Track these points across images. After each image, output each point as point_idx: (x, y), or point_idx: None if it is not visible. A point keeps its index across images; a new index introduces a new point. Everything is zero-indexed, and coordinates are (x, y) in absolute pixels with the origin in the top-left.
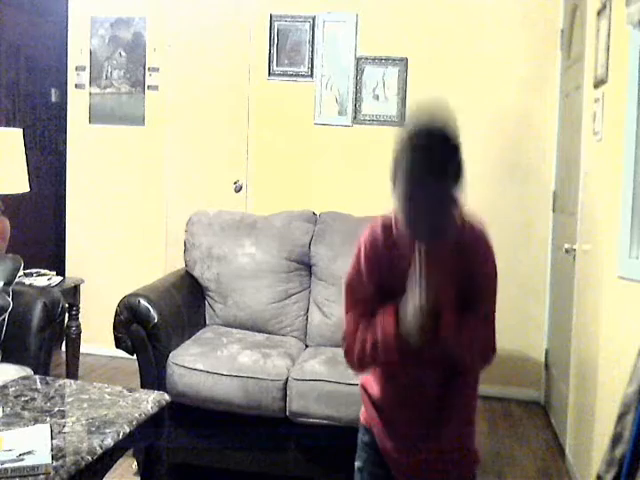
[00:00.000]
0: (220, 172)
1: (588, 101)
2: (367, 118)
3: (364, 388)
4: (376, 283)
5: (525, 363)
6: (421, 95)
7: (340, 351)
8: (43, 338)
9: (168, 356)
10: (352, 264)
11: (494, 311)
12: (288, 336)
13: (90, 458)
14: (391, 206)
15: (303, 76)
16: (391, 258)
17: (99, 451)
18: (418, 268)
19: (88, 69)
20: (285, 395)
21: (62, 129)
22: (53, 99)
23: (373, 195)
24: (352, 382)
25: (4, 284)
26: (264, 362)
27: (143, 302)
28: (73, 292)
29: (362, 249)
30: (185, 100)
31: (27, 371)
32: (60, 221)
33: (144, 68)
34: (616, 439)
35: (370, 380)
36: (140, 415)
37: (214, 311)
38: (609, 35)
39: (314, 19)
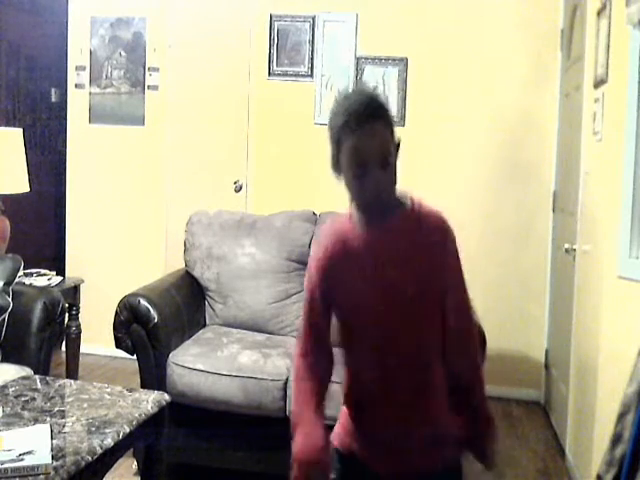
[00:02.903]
0: (220, 172)
1: (588, 101)
2: None
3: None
4: (334, 299)
5: (525, 363)
6: (421, 95)
7: (339, 351)
8: (43, 338)
9: (168, 356)
10: (306, 284)
11: (468, 299)
12: (288, 336)
13: (90, 458)
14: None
15: (303, 76)
16: (355, 262)
17: (99, 451)
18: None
19: (88, 69)
20: (285, 395)
21: (62, 129)
22: (53, 99)
23: None
24: None
25: (4, 284)
26: (264, 362)
27: (143, 302)
28: (73, 292)
29: (315, 265)
30: (185, 100)
31: (27, 371)
32: (60, 221)
33: (144, 68)
34: (616, 439)
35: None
36: (140, 415)
37: (214, 311)
38: (609, 35)
39: (314, 19)
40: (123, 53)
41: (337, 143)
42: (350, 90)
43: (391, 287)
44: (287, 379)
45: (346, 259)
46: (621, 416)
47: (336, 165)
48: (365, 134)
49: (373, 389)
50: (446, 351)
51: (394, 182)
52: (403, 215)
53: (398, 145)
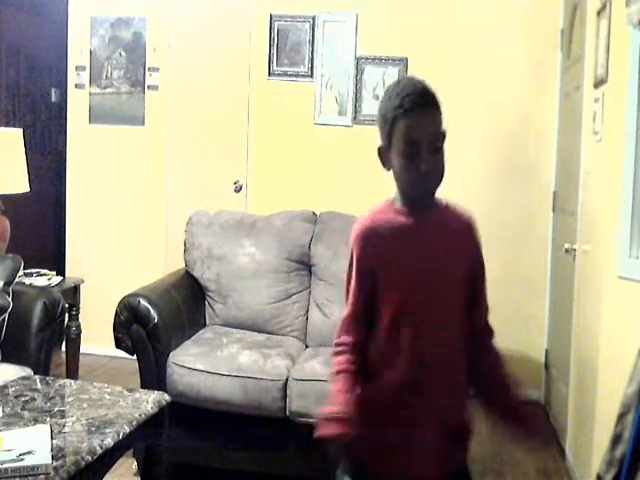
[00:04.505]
0: (220, 172)
1: (588, 101)
2: (367, 118)
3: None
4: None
5: (525, 363)
6: None
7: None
8: (43, 338)
9: (168, 356)
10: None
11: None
12: (288, 336)
13: (90, 458)
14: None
15: (303, 76)
16: (402, 248)
17: (99, 451)
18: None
19: (88, 69)
20: (285, 395)
21: (62, 129)
22: (53, 99)
23: (373, 195)
24: None
25: (4, 284)
26: (264, 362)
27: (143, 302)
28: (73, 292)
29: (355, 254)
30: (185, 100)
31: (27, 371)
32: (60, 221)
33: (144, 68)
34: (616, 439)
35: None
36: (140, 415)
37: (214, 311)
38: (609, 35)
39: (314, 19)
40: (123, 53)
41: (390, 124)
42: (400, 78)
43: (436, 264)
44: (287, 379)
45: (392, 236)
46: (621, 416)
47: (386, 150)
48: (420, 115)
49: (410, 380)
50: (476, 328)
51: (443, 171)
52: (441, 207)
53: (444, 135)
